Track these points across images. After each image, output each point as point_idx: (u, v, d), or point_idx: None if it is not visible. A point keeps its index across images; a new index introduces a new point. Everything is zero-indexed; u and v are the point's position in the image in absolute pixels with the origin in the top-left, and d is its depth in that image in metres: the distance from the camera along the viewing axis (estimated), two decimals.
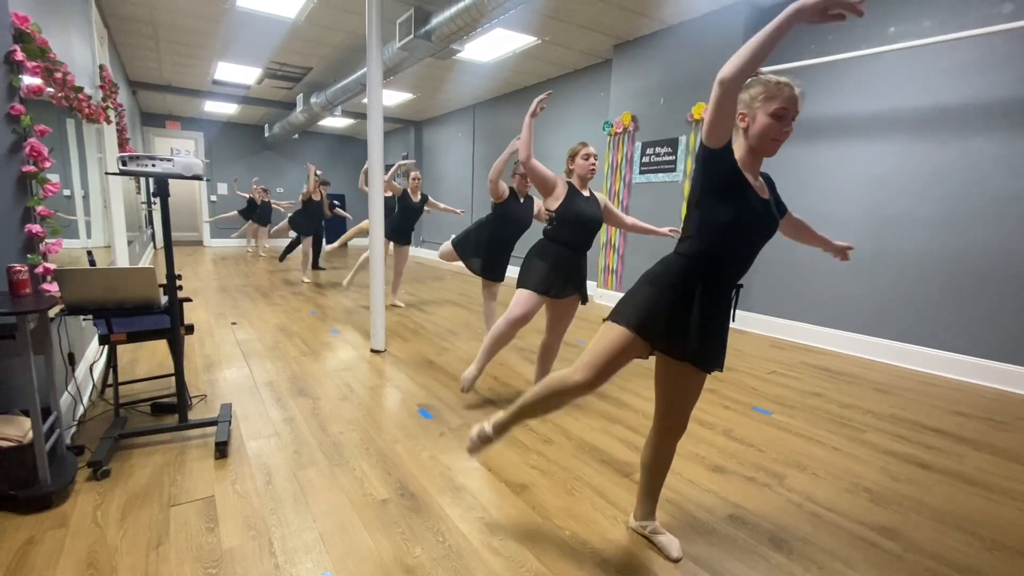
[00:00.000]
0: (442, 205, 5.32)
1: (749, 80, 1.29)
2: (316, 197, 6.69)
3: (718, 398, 2.95)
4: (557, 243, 2.51)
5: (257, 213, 9.79)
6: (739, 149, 1.32)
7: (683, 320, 1.35)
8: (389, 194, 5.16)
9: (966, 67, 3.34)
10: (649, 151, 5.15)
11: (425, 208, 5.23)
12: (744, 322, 4.73)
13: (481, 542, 1.61)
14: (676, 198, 4.89)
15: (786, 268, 4.36)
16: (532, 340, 4.08)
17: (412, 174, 5.15)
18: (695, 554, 1.59)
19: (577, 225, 2.45)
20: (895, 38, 3.59)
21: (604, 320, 1.46)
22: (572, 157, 2.49)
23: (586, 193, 2.50)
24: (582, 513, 1.79)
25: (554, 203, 2.45)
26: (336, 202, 8.34)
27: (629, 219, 2.68)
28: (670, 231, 2.51)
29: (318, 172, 6.67)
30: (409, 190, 5.12)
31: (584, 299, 2.61)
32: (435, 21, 4.41)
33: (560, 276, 2.50)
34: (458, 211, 5.41)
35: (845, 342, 4.03)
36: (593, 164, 2.47)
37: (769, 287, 4.51)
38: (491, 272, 3.51)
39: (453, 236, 3.60)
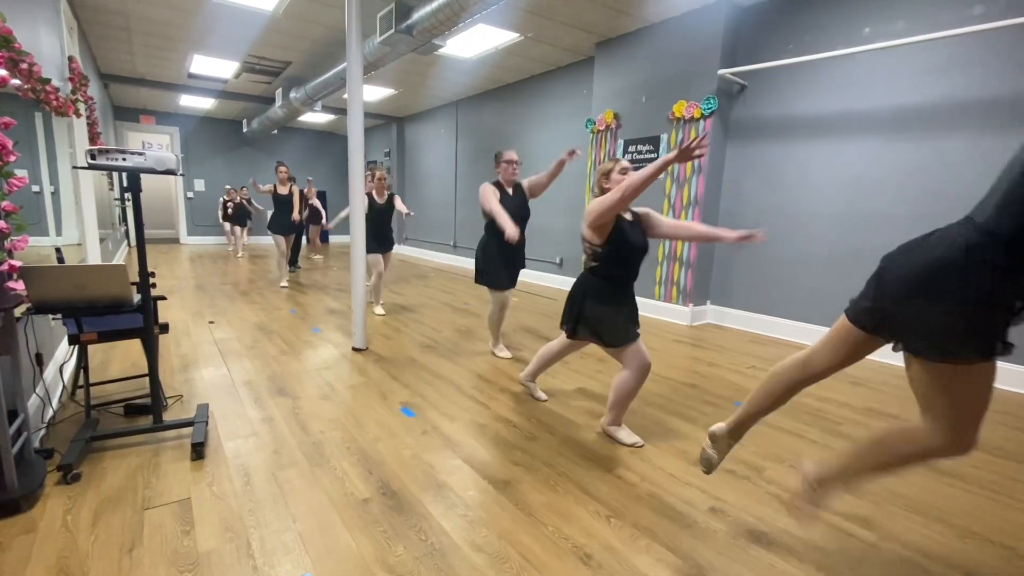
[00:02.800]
0: (401, 206, 4.90)
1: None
2: (284, 191, 6.22)
3: (698, 393, 2.98)
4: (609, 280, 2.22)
5: (234, 214, 9.70)
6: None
7: None
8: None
9: (939, 67, 3.41)
10: (631, 149, 5.17)
11: (399, 210, 4.87)
12: (723, 318, 4.79)
13: (464, 539, 1.60)
14: (658, 195, 4.92)
15: (765, 265, 4.42)
16: (516, 339, 4.08)
17: (378, 174, 4.66)
18: (676, 547, 1.60)
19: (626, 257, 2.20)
20: (870, 39, 3.67)
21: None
22: (606, 175, 2.20)
23: (628, 216, 2.23)
24: (565, 508, 1.79)
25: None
26: (309, 182, 7.76)
27: (671, 223, 2.26)
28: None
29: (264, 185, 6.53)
30: (375, 192, 4.68)
31: None
32: (416, 15, 4.37)
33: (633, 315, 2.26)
34: (409, 212, 5.00)
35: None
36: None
37: (748, 283, 4.58)
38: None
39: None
